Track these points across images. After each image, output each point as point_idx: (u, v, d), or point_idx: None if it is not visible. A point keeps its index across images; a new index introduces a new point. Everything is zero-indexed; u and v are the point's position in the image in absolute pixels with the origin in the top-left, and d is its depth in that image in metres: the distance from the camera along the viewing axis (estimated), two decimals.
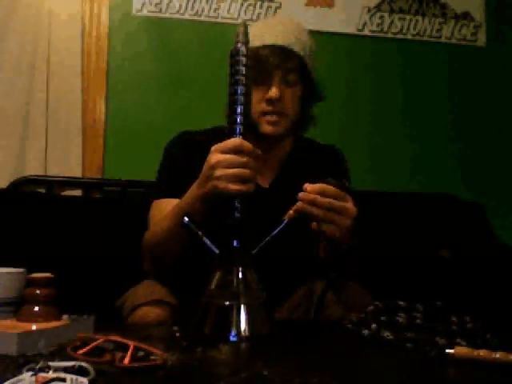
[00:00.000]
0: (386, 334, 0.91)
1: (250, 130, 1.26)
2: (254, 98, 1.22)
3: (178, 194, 1.16)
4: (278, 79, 1.23)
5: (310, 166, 1.34)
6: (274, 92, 1.21)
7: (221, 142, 1.00)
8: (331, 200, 0.99)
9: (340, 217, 1.00)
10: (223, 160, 0.97)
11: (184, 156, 1.30)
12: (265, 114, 1.23)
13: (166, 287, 1.18)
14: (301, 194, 0.99)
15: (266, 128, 1.24)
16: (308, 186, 0.99)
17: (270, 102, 1.22)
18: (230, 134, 0.99)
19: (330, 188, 1.00)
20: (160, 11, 2.12)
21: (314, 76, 1.31)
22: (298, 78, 1.26)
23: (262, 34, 1.26)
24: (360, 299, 1.14)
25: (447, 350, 0.78)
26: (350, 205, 1.02)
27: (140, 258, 1.26)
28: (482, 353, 0.76)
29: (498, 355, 0.76)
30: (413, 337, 0.89)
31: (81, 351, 0.72)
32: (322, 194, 0.99)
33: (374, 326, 0.94)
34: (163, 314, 1.10)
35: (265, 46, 1.23)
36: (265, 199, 1.23)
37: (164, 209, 1.21)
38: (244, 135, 0.99)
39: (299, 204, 0.99)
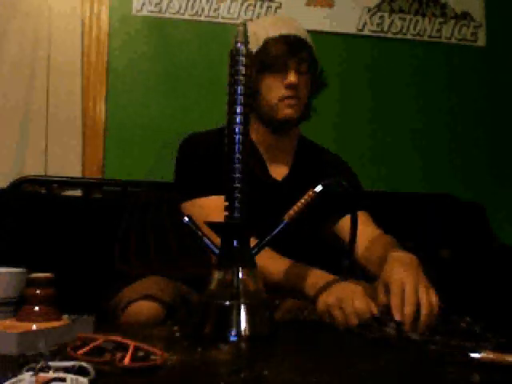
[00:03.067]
0: (411, 334, 0.91)
1: (265, 122, 1.35)
2: (272, 84, 1.32)
3: (211, 189, 1.24)
4: (295, 66, 1.32)
5: (320, 165, 1.43)
6: (293, 78, 1.30)
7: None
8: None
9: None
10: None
11: (202, 155, 1.34)
12: (284, 98, 1.31)
13: (158, 284, 1.19)
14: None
15: (286, 111, 1.32)
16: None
17: (289, 87, 1.30)
18: (230, 133, 0.99)
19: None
20: (160, 11, 2.12)
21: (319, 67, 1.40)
22: (308, 67, 1.35)
23: (277, 25, 1.35)
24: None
25: (472, 355, 0.76)
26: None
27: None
28: (509, 357, 0.75)
29: None
30: (439, 339, 0.88)
31: (81, 351, 0.72)
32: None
33: (392, 324, 0.93)
34: (156, 310, 1.11)
35: (282, 36, 1.32)
36: (279, 192, 1.33)
37: (207, 207, 1.24)
38: (244, 135, 0.98)
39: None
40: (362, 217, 1.29)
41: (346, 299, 0.99)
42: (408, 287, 0.97)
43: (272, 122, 1.35)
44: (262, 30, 1.35)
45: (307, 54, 1.34)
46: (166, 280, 1.24)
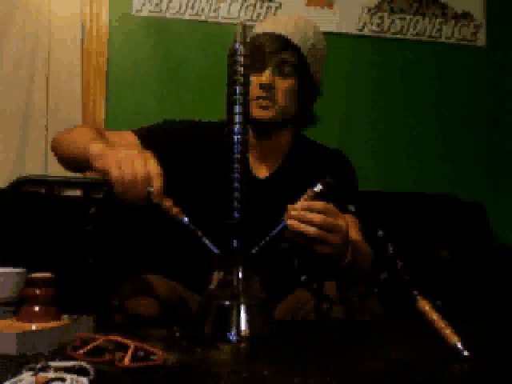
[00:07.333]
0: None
1: (250, 121, 1.29)
2: (252, 83, 1.24)
3: (145, 143, 1.20)
4: (272, 66, 1.25)
5: (311, 165, 1.35)
6: (265, 78, 1.24)
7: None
8: (321, 216, 0.95)
9: (330, 234, 0.97)
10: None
11: (179, 135, 1.31)
12: (257, 98, 1.25)
13: (155, 282, 1.18)
14: (291, 213, 0.96)
15: (257, 112, 1.25)
16: (296, 204, 0.96)
17: (262, 87, 1.24)
18: (229, 133, 0.99)
19: (318, 204, 0.96)
20: (160, 11, 2.12)
21: (314, 71, 1.30)
22: (293, 70, 1.27)
23: (267, 21, 1.30)
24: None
25: None
26: (341, 221, 0.99)
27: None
28: None
29: None
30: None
31: (81, 351, 0.72)
32: (311, 210, 0.95)
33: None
34: (153, 306, 1.10)
35: (264, 33, 1.26)
36: (263, 190, 1.26)
37: (124, 138, 1.25)
38: (242, 134, 0.99)
39: (290, 222, 0.96)
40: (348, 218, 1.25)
41: (126, 160, 0.96)
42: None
43: (249, 121, 1.31)
44: (256, 26, 1.32)
45: (292, 55, 1.26)
46: (161, 278, 1.23)
